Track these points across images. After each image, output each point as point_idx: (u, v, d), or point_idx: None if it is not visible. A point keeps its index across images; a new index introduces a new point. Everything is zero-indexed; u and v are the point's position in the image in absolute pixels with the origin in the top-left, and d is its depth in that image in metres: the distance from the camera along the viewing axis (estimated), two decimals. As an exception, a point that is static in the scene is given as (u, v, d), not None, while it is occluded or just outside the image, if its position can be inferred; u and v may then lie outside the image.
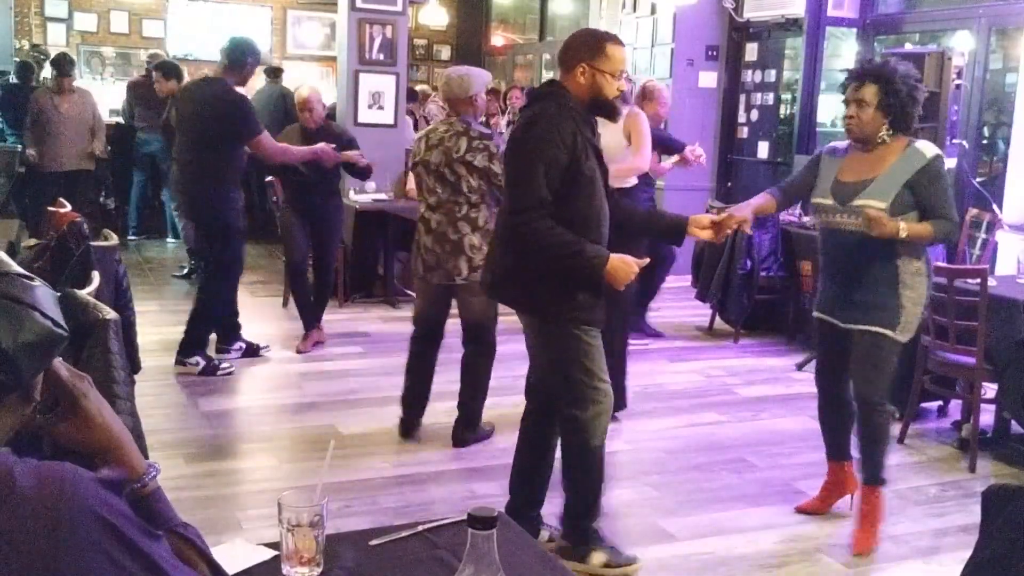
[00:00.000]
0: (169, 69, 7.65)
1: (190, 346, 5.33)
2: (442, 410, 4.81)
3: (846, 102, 3.41)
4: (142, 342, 3.73)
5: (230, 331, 5.67)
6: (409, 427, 4.50)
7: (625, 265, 3.03)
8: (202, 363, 5.31)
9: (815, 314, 3.63)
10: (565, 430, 3.23)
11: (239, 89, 5.31)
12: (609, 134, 4.56)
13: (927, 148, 3.38)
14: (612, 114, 3.23)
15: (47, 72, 9.03)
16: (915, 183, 3.32)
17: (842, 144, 3.57)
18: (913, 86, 3.35)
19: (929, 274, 3.48)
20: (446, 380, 5.32)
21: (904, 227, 3.25)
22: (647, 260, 3.15)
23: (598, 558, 3.22)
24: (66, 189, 7.17)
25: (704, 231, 3.23)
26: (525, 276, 3.12)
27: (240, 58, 5.27)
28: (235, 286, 5.65)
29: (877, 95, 3.31)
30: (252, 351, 5.67)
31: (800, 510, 3.78)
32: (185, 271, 7.83)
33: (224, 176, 5.26)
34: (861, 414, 3.50)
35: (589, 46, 3.10)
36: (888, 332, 3.37)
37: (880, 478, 3.53)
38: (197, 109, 5.26)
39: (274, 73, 9.84)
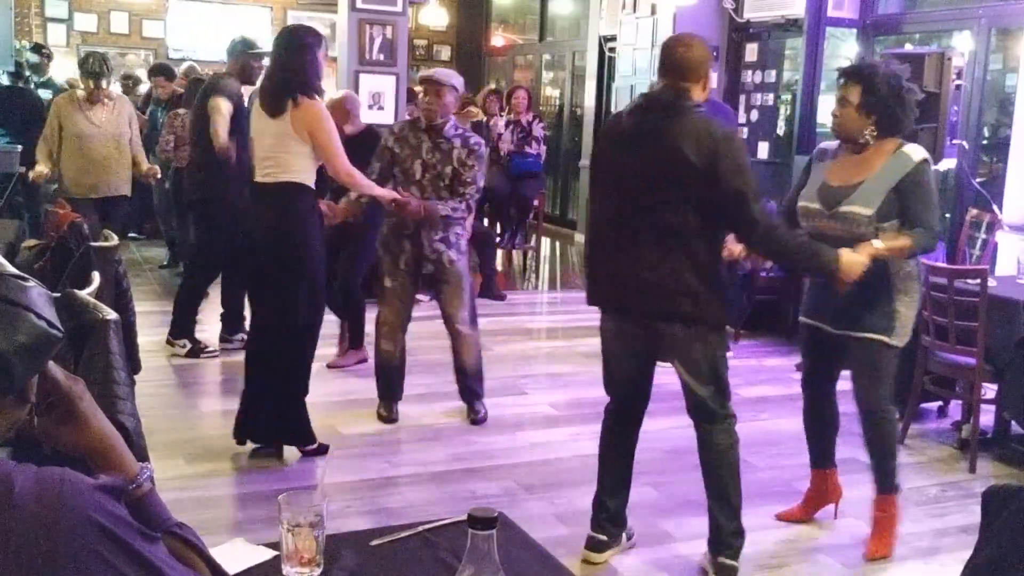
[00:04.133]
0: (171, 72, 8.30)
1: (178, 329, 5.69)
2: (441, 410, 4.81)
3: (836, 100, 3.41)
4: (142, 342, 3.75)
5: (237, 322, 5.84)
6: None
7: (856, 258, 3.13)
8: (189, 345, 5.65)
9: (802, 319, 3.56)
10: (723, 434, 3.31)
11: (246, 88, 5.59)
12: (266, 125, 3.95)
13: (915, 152, 3.29)
14: None
15: (57, 72, 8.88)
16: (901, 189, 3.25)
17: (832, 145, 3.51)
18: (898, 86, 3.27)
19: (919, 276, 3.44)
20: (446, 381, 5.32)
21: (874, 250, 3.18)
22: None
23: None
24: (99, 216, 5.78)
25: None
26: (698, 286, 3.08)
27: (230, 50, 5.58)
28: (215, 275, 5.87)
29: (860, 95, 3.26)
30: (195, 352, 5.72)
31: (781, 518, 3.75)
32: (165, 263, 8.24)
33: (223, 166, 5.45)
34: (868, 423, 3.45)
35: (710, 60, 3.17)
36: (885, 338, 3.32)
37: (894, 485, 3.50)
38: (198, 105, 5.60)
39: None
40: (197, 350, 5.68)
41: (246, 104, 5.41)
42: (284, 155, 3.91)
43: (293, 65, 3.89)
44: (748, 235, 3.10)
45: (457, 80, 4.51)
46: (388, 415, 4.66)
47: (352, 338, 5.69)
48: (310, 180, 3.97)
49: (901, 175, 3.25)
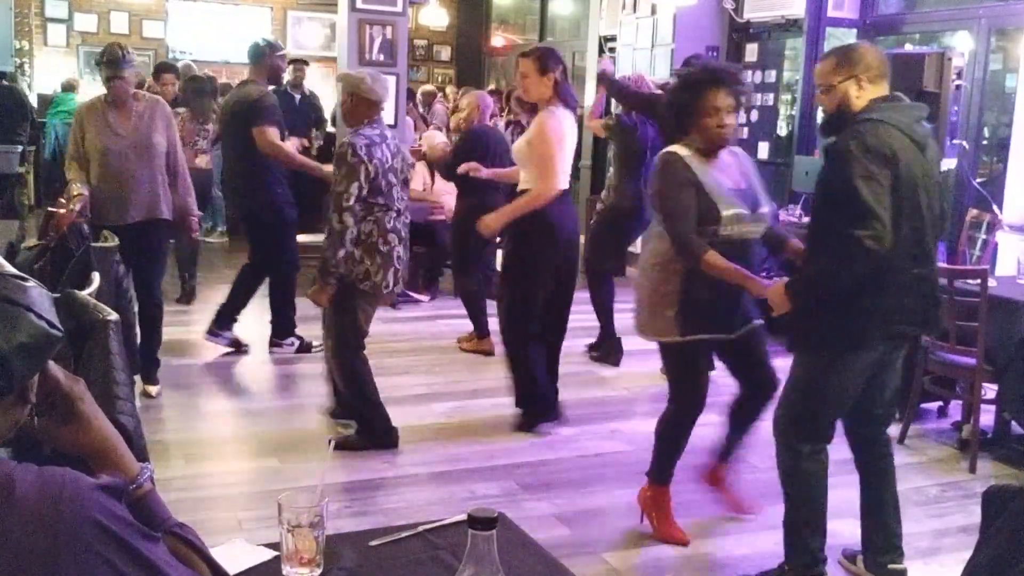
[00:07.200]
0: (176, 70, 8.11)
1: (281, 330, 5.76)
2: (441, 411, 4.81)
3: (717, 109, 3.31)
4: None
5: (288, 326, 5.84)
6: None
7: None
8: (296, 343, 5.76)
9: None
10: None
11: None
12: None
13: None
14: None
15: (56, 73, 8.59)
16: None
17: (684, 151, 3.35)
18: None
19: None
20: (446, 381, 5.33)
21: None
22: None
23: None
24: (133, 246, 4.36)
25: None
26: None
27: (258, 53, 5.58)
28: (296, 269, 5.80)
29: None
30: (305, 347, 5.74)
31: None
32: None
33: (263, 171, 5.47)
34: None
35: None
36: None
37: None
38: (233, 110, 5.56)
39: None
40: (307, 345, 5.72)
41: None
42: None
43: None
44: None
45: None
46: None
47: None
48: None
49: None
